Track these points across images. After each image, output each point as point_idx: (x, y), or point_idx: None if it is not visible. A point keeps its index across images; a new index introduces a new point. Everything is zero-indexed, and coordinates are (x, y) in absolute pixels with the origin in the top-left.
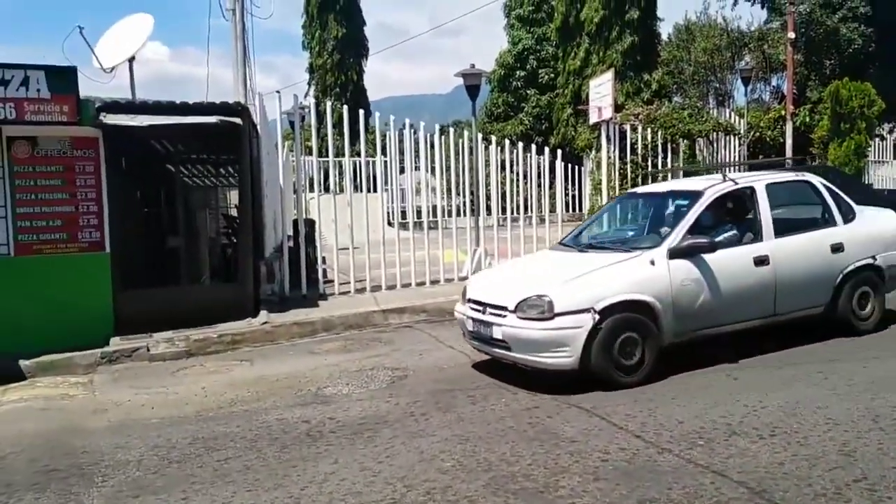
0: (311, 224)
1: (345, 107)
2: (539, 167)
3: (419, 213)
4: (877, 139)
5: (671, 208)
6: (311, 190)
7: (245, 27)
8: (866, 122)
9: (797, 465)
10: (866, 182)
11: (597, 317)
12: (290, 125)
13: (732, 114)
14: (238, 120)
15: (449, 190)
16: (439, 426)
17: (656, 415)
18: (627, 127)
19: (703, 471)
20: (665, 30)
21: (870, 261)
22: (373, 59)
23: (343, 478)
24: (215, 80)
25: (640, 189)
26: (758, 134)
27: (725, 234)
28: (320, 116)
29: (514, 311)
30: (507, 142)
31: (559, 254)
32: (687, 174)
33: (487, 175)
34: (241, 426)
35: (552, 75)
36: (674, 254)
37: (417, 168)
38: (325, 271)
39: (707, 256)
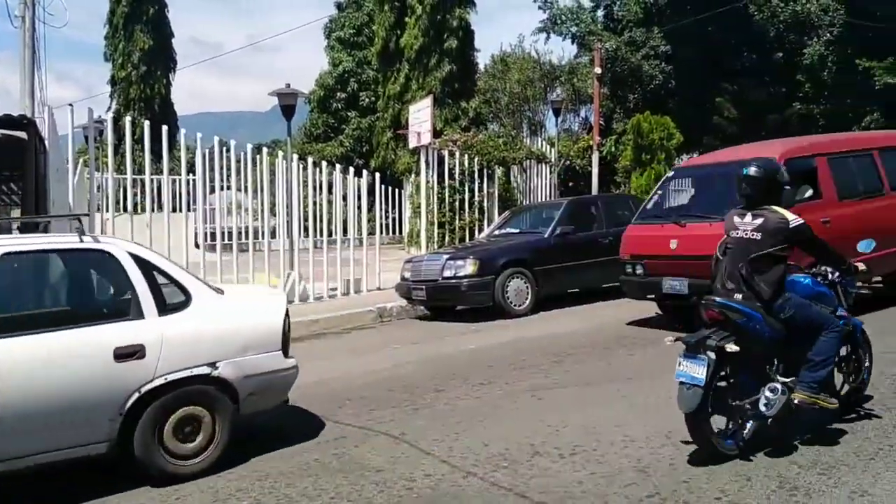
0: None
1: (146, 121)
2: (358, 189)
3: (232, 234)
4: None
5: None
6: (108, 210)
7: (35, 35)
8: (666, 153)
9: (595, 482)
10: None
11: None
12: (86, 140)
13: (544, 143)
14: (23, 134)
15: (262, 211)
16: (237, 462)
17: (462, 438)
18: (446, 152)
19: (506, 493)
20: (482, 60)
21: (203, 370)
22: (190, 74)
23: None
24: (3, 89)
25: None
26: (568, 162)
27: None
28: (120, 131)
29: None
30: (324, 163)
31: None
32: None
33: (305, 196)
34: None
35: (373, 98)
36: None
37: (230, 187)
38: None
39: None
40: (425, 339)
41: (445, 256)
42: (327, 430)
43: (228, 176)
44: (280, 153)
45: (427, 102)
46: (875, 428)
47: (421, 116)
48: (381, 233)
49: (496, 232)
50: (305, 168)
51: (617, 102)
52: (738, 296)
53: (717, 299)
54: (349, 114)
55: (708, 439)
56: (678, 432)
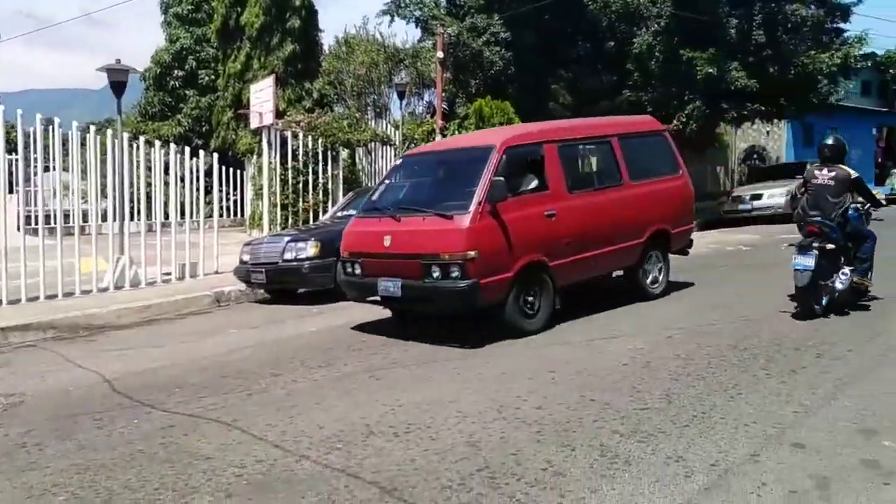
0: None
1: None
2: (196, 170)
3: (59, 218)
4: None
5: None
6: None
7: None
8: None
9: (428, 459)
10: None
11: None
12: None
13: (389, 125)
14: None
15: (91, 192)
16: (55, 457)
17: (297, 422)
18: (289, 133)
19: (339, 474)
20: (327, 41)
21: None
22: (16, 48)
23: None
24: None
25: None
26: (413, 145)
27: None
28: None
29: None
30: (157, 142)
31: None
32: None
33: (138, 177)
34: None
35: (213, 77)
36: None
37: (56, 168)
38: None
39: None
40: (264, 323)
41: (287, 238)
42: (155, 420)
43: (54, 156)
44: (110, 132)
45: (269, 82)
46: (691, 397)
47: (263, 96)
48: (222, 215)
49: (340, 214)
50: (138, 148)
51: (459, 87)
52: (818, 217)
53: (815, 218)
54: (187, 92)
55: (811, 305)
56: (508, 406)
